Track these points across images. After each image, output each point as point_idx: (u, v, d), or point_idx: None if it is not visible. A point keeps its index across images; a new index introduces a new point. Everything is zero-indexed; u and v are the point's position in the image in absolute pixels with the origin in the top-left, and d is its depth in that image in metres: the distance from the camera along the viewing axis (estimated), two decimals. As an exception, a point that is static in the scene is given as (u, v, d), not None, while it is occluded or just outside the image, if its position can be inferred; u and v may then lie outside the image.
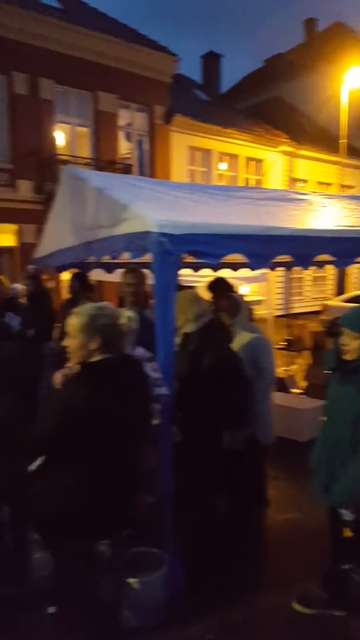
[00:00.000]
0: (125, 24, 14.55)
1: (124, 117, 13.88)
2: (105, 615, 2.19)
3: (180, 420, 2.72)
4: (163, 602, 2.47)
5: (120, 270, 5.10)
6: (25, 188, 11.93)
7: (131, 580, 2.33)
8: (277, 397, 4.90)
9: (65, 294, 6.16)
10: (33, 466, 2.15)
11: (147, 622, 2.40)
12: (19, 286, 6.53)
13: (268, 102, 21.52)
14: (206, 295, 4.22)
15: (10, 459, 2.30)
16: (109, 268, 5.33)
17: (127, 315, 2.47)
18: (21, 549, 2.45)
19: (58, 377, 2.18)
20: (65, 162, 11.08)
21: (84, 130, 13.23)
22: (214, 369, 2.89)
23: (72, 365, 2.07)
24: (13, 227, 12.05)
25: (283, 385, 6.01)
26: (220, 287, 4.38)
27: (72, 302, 4.80)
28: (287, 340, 7.54)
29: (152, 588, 2.41)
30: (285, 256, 3.06)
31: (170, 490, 2.60)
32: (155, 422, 2.49)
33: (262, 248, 2.77)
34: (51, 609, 2.23)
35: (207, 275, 5.18)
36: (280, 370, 6.22)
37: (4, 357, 2.75)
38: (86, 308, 2.05)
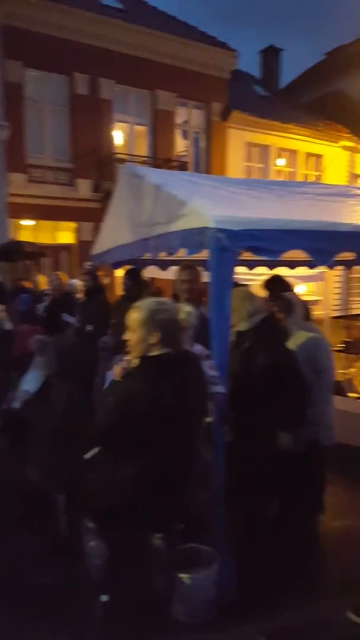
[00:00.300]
0: (185, 22, 14.58)
1: (181, 115, 13.92)
2: (156, 608, 2.21)
3: (231, 420, 2.69)
4: (213, 600, 2.45)
5: (174, 268, 5.11)
6: (84, 187, 12.25)
7: (183, 575, 2.33)
8: (334, 401, 4.74)
9: (119, 290, 6.27)
10: (88, 455, 2.21)
11: (196, 618, 2.39)
12: (77, 282, 6.73)
13: (329, 96, 20.80)
14: (262, 293, 4.15)
15: (68, 448, 2.36)
16: (163, 265, 5.36)
17: (186, 310, 2.47)
18: (76, 536, 2.51)
19: (117, 370, 2.21)
20: (122, 160, 11.27)
21: (141, 128, 13.40)
22: (268, 368, 2.83)
23: (131, 359, 2.10)
24: (72, 225, 12.42)
25: (340, 388, 5.80)
26: (276, 286, 4.29)
27: (126, 299, 4.87)
28: (345, 342, 7.28)
29: (203, 585, 2.40)
30: (346, 254, 2.95)
31: (221, 489, 2.58)
32: (209, 420, 2.47)
33: (323, 244, 2.68)
34: (103, 598, 2.27)
35: (262, 273, 5.09)
36: (338, 373, 6.01)
37: (63, 347, 2.83)
38: (147, 302, 2.08)
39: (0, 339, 4.71)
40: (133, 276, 5.13)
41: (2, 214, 9.62)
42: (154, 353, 2.03)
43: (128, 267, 5.23)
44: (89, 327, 5.27)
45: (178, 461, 2.10)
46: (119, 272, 5.92)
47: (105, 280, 7.20)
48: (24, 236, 11.33)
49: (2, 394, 4.16)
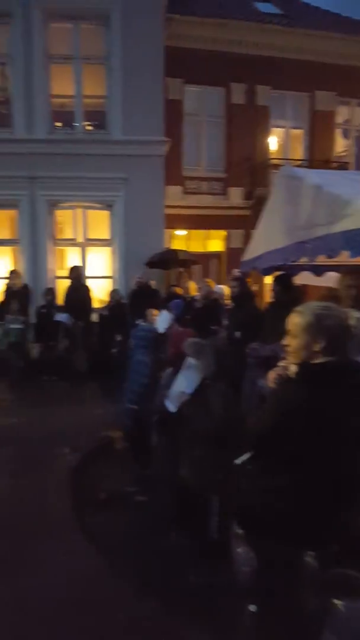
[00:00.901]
0: (347, 17, 13.86)
1: (342, 114, 13.27)
2: (307, 631, 2.07)
3: None
4: (370, 636, 2.22)
5: (330, 274, 4.84)
6: (235, 195, 12.41)
7: (337, 601, 2.15)
8: None
9: (268, 297, 6.18)
10: (239, 460, 2.17)
11: (350, 653, 2.19)
12: (224, 288, 6.84)
13: None
14: None
15: (222, 450, 2.36)
16: (318, 271, 5.12)
17: (356, 316, 2.30)
18: (225, 540, 2.50)
19: (272, 376, 2.14)
20: (276, 166, 11.15)
21: (298, 132, 13.11)
22: None
23: (289, 365, 2.02)
24: (222, 233, 12.68)
25: None
26: None
27: (274, 306, 4.76)
28: None
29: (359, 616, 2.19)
30: None
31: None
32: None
33: None
34: (252, 608, 2.21)
35: None
36: None
37: (219, 351, 2.85)
38: (311, 306, 1.96)
39: (155, 341, 4.98)
40: (282, 282, 4.99)
41: (159, 225, 10.26)
42: (317, 361, 1.91)
43: (277, 273, 5.12)
44: (237, 334, 5.28)
45: (336, 478, 1.95)
46: (269, 279, 5.84)
47: (254, 287, 7.18)
48: (178, 245, 11.91)
49: (155, 392, 4.40)
